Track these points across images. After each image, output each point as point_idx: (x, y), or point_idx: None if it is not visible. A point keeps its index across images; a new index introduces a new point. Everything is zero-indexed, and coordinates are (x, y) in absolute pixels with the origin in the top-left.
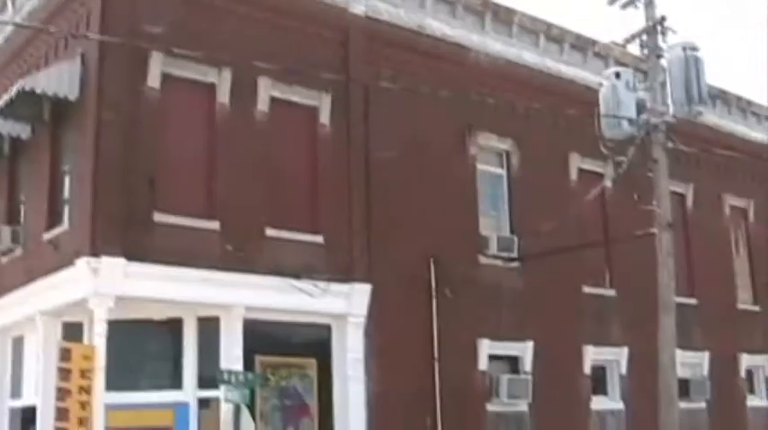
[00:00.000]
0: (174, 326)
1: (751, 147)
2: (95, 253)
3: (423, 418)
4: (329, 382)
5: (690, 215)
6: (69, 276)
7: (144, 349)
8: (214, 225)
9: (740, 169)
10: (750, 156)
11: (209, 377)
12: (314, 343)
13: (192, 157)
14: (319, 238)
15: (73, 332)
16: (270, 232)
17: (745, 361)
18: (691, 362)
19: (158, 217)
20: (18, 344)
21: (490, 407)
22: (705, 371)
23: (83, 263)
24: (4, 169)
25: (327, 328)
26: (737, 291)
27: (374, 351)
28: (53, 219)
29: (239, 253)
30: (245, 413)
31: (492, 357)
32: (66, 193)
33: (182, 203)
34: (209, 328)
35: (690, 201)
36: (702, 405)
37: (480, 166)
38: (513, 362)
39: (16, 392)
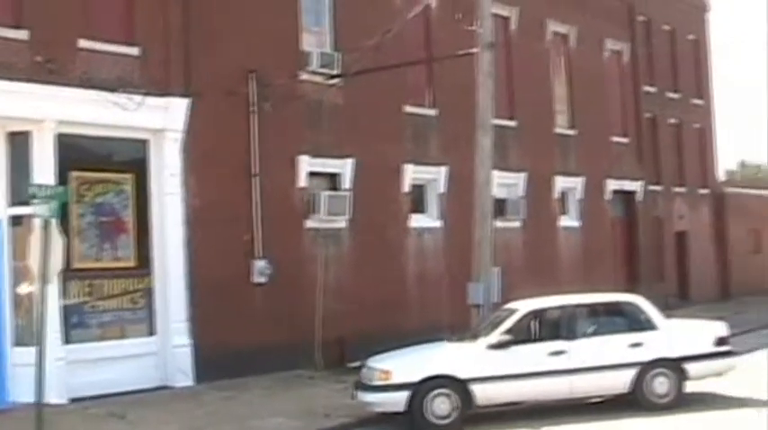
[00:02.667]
0: None
1: None
2: None
3: (241, 234)
4: (146, 198)
5: (513, 38)
6: None
7: None
8: (22, 34)
9: None
10: None
11: (21, 194)
12: (130, 158)
13: None
14: (135, 50)
15: None
16: (83, 43)
17: (560, 183)
18: (507, 183)
19: None
20: None
21: (309, 224)
22: (521, 191)
23: None
24: None
25: (144, 143)
26: (556, 115)
27: (192, 166)
28: None
29: (50, 64)
30: (55, 227)
31: (311, 174)
32: None
33: None
34: (20, 144)
35: (513, 25)
36: (517, 224)
37: None
38: (332, 179)
39: None
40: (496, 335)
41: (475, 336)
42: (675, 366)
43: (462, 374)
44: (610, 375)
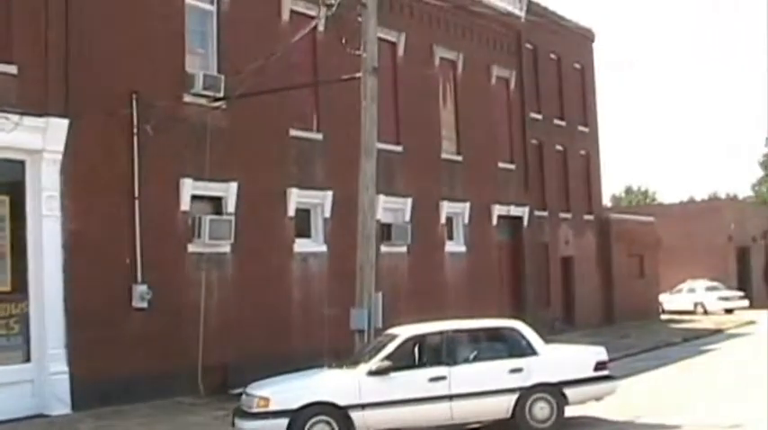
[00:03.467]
0: None
1: (461, 1)
2: None
3: (122, 258)
4: (23, 221)
5: (400, 64)
6: None
7: None
8: None
9: (451, 22)
10: (460, 10)
11: None
12: (6, 179)
13: None
14: (12, 68)
15: None
16: None
17: (446, 208)
18: (393, 208)
19: None
20: None
21: (192, 248)
22: (407, 216)
23: None
24: None
25: (21, 164)
26: (442, 141)
27: (71, 188)
28: None
29: None
30: None
31: (194, 197)
32: None
33: None
34: None
35: (401, 51)
36: (403, 249)
37: (189, 1)
38: (216, 203)
39: None
40: (376, 362)
41: (356, 363)
42: (555, 391)
43: (342, 401)
44: (490, 400)
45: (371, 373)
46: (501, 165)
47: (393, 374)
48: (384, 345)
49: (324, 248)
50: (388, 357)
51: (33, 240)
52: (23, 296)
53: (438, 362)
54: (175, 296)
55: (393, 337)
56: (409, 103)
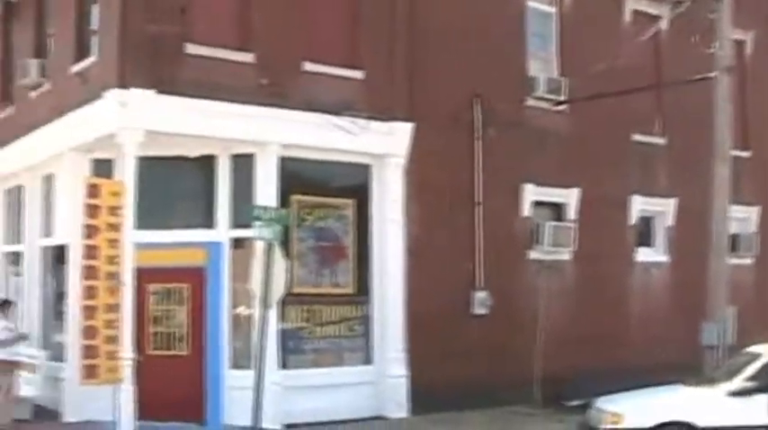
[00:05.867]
0: (208, 163)
1: None
2: (124, 85)
3: (462, 263)
4: (367, 224)
5: (749, 64)
6: (98, 110)
7: (176, 187)
8: (248, 57)
9: None
10: None
11: (242, 216)
12: (352, 183)
13: None
14: (359, 74)
15: (103, 169)
16: (307, 66)
17: None
18: (740, 217)
19: (190, 48)
20: (48, 181)
21: (532, 255)
22: (754, 226)
23: (111, 95)
24: (30, 1)
25: (366, 168)
26: None
27: (414, 193)
28: (81, 51)
29: (275, 87)
30: (278, 250)
31: (536, 203)
32: (95, 24)
33: (215, 34)
34: (243, 166)
35: (749, 50)
36: (750, 261)
37: (530, 4)
38: (557, 209)
39: (47, 231)
40: (739, 382)
41: (712, 381)
42: None
43: (700, 422)
44: None
45: (733, 394)
46: None
47: (756, 397)
48: (746, 364)
49: (665, 258)
50: (751, 378)
51: (377, 244)
52: (366, 299)
53: None
54: (514, 303)
55: (756, 356)
56: (757, 106)
